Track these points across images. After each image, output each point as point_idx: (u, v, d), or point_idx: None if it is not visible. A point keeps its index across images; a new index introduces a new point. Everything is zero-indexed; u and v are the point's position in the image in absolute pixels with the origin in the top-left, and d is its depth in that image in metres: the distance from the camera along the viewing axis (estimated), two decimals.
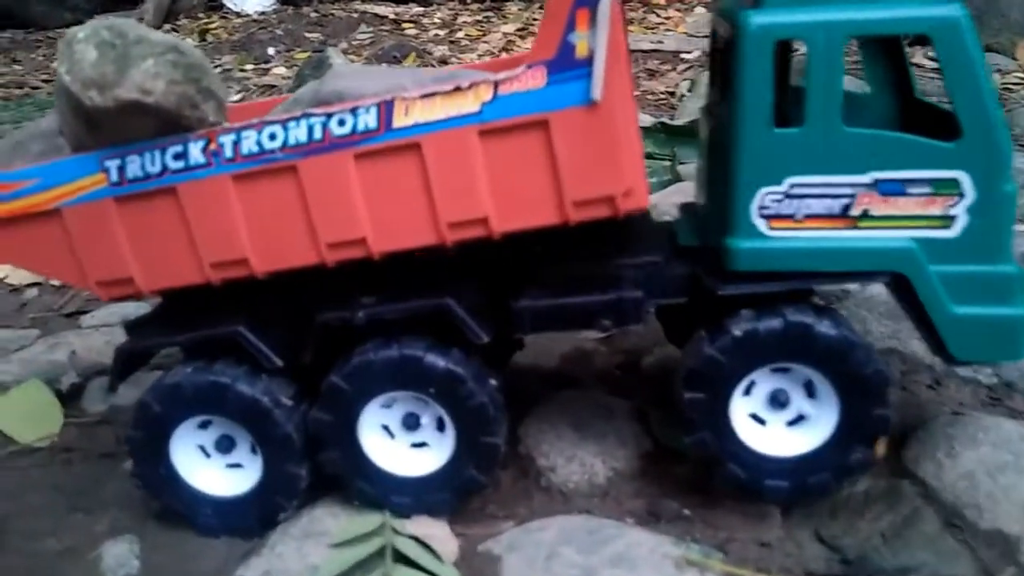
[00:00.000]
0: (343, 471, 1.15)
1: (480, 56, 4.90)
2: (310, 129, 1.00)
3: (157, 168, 1.03)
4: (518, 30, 5.49)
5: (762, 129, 1.03)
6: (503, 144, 0.99)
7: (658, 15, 5.73)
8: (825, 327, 1.05)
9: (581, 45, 0.95)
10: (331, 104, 1.02)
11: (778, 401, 1.11)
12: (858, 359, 1.05)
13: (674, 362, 1.52)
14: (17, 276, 2.26)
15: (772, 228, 1.06)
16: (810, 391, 1.11)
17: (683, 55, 4.66)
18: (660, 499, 1.21)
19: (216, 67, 4.91)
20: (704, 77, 3.74)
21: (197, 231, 1.05)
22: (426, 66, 4.68)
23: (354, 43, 5.33)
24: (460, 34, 5.47)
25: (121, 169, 1.03)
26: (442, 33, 5.53)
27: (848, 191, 1.04)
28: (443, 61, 4.76)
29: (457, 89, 0.98)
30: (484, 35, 5.43)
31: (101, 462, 1.38)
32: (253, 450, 1.17)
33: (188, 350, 1.17)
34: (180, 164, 1.02)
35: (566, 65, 0.96)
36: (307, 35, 5.45)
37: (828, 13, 1.00)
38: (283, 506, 1.17)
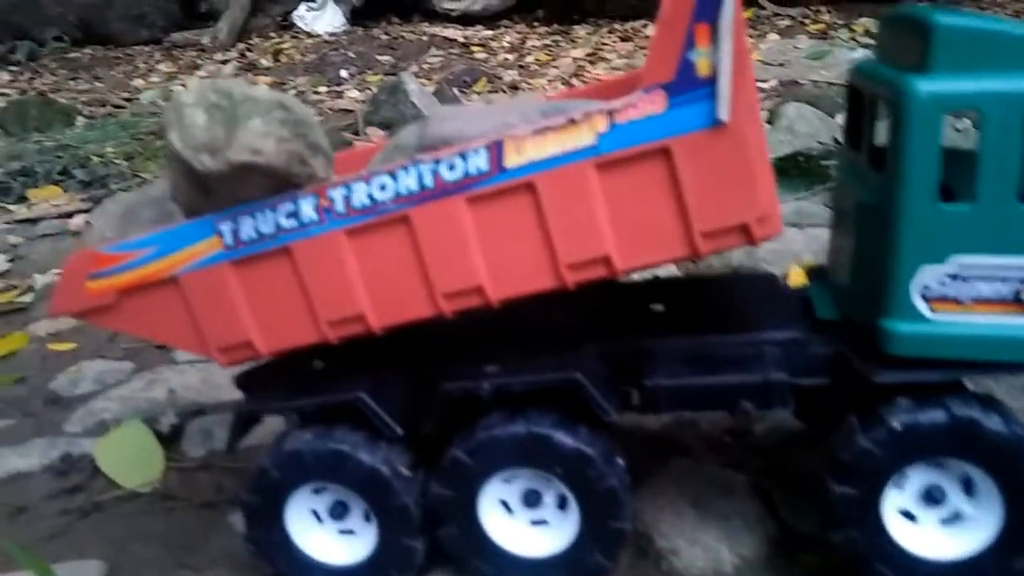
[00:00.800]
0: (461, 549, 1.11)
1: (550, 82, 4.88)
2: (420, 176, 0.96)
3: (270, 228, 1.00)
4: (588, 55, 5.46)
5: (927, 204, 0.96)
6: (623, 176, 0.93)
7: None
8: (995, 423, 0.97)
9: (702, 63, 0.88)
10: (437, 149, 0.98)
11: (932, 497, 1.03)
12: None
13: (789, 430, 1.46)
14: None
15: (935, 311, 0.99)
16: (968, 487, 1.03)
17: (759, 84, 4.58)
18: None
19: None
20: (788, 111, 3.64)
21: (313, 289, 1.02)
22: (496, 91, 4.68)
23: (424, 66, 5.37)
24: (529, 58, 5.46)
25: (235, 232, 1.01)
26: (511, 57, 5.53)
27: (1021, 274, 0.96)
28: (513, 87, 4.75)
29: (571, 122, 0.92)
30: (553, 59, 5.42)
31: (204, 512, 1.36)
32: (367, 518, 1.13)
33: (305, 412, 1.14)
34: (293, 223, 1.00)
35: (687, 86, 0.89)
36: (379, 57, 5.50)
37: (1008, 82, 0.93)
38: None
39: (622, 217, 0.95)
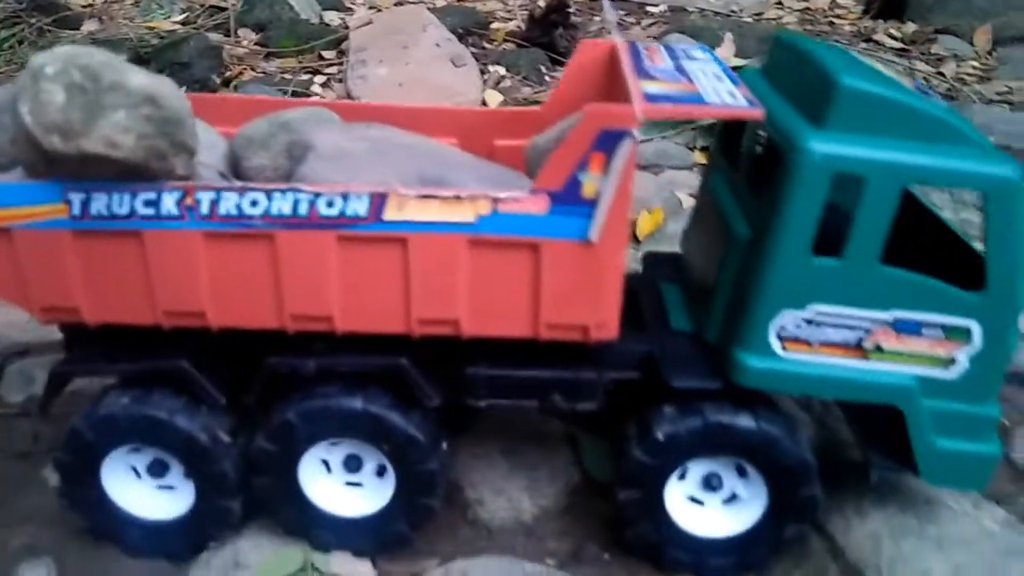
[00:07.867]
0: (274, 499, 1.16)
1: None
2: (296, 204, 0.98)
3: (124, 210, 0.99)
4: None
5: (800, 256, 1.01)
6: (491, 257, 1.01)
7: None
8: (745, 422, 1.09)
9: (589, 186, 0.97)
10: (302, 182, 1.01)
11: (711, 484, 1.16)
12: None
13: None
14: None
15: (785, 350, 1.06)
16: (741, 472, 1.16)
17: (649, 8, 4.52)
18: (583, 541, 1.23)
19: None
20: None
21: (157, 277, 1.03)
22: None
23: None
24: None
25: (85, 204, 0.98)
26: None
27: (867, 325, 1.04)
28: None
29: (456, 198, 0.98)
30: None
31: (18, 464, 1.34)
32: (187, 475, 1.16)
33: (125, 377, 1.14)
34: (150, 211, 0.99)
35: (570, 200, 0.97)
36: None
37: (893, 153, 0.97)
38: (213, 535, 1.17)
39: (480, 291, 1.03)
